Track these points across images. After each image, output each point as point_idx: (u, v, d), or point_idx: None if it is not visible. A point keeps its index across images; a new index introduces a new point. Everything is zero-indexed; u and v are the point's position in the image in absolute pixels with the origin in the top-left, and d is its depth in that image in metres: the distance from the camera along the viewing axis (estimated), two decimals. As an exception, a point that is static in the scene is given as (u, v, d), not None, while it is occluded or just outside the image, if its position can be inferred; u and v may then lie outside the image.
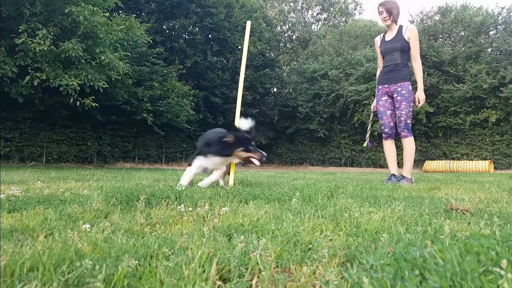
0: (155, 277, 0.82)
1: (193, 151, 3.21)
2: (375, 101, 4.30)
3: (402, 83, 3.99)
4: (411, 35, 3.98)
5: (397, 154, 4.27)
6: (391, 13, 4.00)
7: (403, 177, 4.01)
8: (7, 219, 1.54)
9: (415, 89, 3.99)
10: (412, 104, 3.98)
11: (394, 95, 4.05)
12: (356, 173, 8.95)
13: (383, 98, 4.15)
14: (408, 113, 3.97)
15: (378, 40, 4.27)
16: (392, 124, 4.14)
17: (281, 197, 2.22)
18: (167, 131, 17.08)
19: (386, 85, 4.10)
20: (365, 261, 0.87)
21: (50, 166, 10.54)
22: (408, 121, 4.00)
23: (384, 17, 4.04)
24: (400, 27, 4.07)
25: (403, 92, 3.97)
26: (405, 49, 4.01)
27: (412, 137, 4.06)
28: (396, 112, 4.06)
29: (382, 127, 4.18)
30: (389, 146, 4.19)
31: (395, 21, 4.06)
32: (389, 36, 4.12)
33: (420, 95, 4.01)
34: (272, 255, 0.94)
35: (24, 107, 12.21)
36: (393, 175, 4.06)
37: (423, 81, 4.17)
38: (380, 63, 4.29)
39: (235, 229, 1.30)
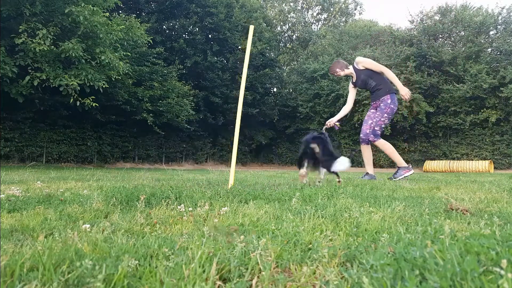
0: (155, 277, 0.82)
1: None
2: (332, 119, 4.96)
3: (382, 98, 4.71)
4: (363, 63, 4.72)
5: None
6: (337, 71, 4.85)
7: (399, 168, 4.63)
8: (7, 219, 1.54)
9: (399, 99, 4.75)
10: (386, 115, 4.64)
11: (378, 109, 4.84)
12: (356, 173, 8.95)
13: (371, 110, 4.87)
14: (378, 121, 4.65)
15: (351, 85, 5.02)
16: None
17: (281, 197, 2.22)
18: (167, 131, 17.05)
19: (374, 101, 4.89)
20: (365, 261, 0.87)
21: (50, 166, 10.54)
22: (376, 128, 4.66)
23: (337, 76, 4.94)
24: (352, 66, 4.84)
25: (381, 105, 4.71)
26: (369, 74, 4.72)
27: (380, 140, 4.70)
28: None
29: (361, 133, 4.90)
30: (366, 149, 4.86)
31: (346, 69, 4.83)
32: (354, 78, 4.87)
33: (402, 90, 4.66)
34: (272, 255, 0.94)
35: (24, 107, 12.21)
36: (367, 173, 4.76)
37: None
38: (348, 99, 5.06)
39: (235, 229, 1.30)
